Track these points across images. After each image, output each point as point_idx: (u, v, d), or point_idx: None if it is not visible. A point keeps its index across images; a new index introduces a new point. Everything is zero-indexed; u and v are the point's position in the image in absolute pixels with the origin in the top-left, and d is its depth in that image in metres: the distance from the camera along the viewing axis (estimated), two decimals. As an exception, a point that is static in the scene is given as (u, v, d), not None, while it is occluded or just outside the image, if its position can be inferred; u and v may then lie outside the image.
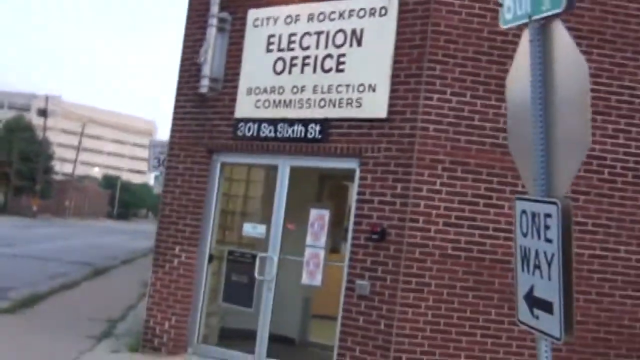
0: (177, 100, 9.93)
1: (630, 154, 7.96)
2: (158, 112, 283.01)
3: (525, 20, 4.21)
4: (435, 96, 7.83)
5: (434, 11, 7.90)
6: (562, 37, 4.00)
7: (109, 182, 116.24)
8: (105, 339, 10.32)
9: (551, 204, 3.75)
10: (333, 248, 9.67)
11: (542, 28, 4.11)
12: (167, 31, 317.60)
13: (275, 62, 8.96)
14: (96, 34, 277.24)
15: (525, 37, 4.25)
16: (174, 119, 9.89)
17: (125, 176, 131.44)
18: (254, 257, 8.98)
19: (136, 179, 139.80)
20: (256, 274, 8.79)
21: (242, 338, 9.22)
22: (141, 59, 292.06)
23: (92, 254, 27.94)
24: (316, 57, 8.65)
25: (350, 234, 8.12)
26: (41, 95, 73.71)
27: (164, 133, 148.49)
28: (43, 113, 73.05)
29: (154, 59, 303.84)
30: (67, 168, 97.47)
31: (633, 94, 8.05)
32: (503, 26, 4.58)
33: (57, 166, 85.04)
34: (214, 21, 9.43)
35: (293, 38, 8.88)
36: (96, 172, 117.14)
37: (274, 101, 8.88)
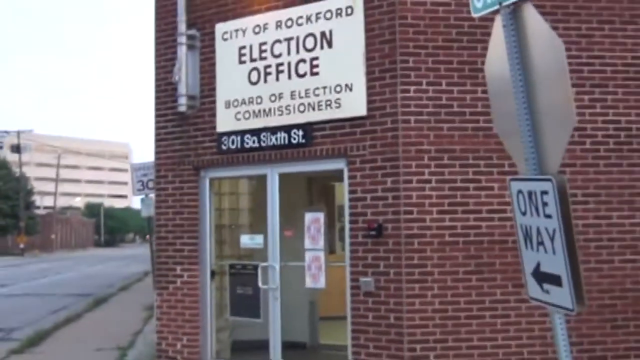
0: (157, 122, 9.97)
1: (609, 121, 8.12)
2: (131, 134, 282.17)
3: (496, 7, 4.32)
4: (412, 88, 7.94)
5: (400, 4, 8.00)
6: (534, 19, 4.12)
7: (92, 210, 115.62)
8: (119, 367, 10.39)
9: (546, 181, 3.87)
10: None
11: (514, 12, 4.23)
12: (130, 50, 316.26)
13: (250, 73, 9.02)
14: (53, 59, 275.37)
15: (498, 23, 4.37)
16: (157, 140, 9.93)
17: (107, 202, 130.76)
18: (255, 267, 9.07)
19: (118, 203, 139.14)
20: (260, 284, 8.88)
21: (254, 349, 9.32)
22: (105, 81, 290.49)
23: (88, 284, 27.89)
24: (289, 63, 8.72)
25: (347, 233, 8.21)
26: (13, 132, 72.93)
27: (140, 154, 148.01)
28: (17, 149, 72.39)
29: (118, 80, 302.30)
30: (48, 201, 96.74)
31: (603, 63, 8.20)
32: (474, 15, 4.67)
33: (38, 200, 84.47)
34: (183, 39, 9.47)
35: (264, 47, 8.95)
36: (78, 201, 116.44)
37: (254, 111, 8.95)
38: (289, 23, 8.75)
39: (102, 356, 11.34)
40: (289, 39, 8.74)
